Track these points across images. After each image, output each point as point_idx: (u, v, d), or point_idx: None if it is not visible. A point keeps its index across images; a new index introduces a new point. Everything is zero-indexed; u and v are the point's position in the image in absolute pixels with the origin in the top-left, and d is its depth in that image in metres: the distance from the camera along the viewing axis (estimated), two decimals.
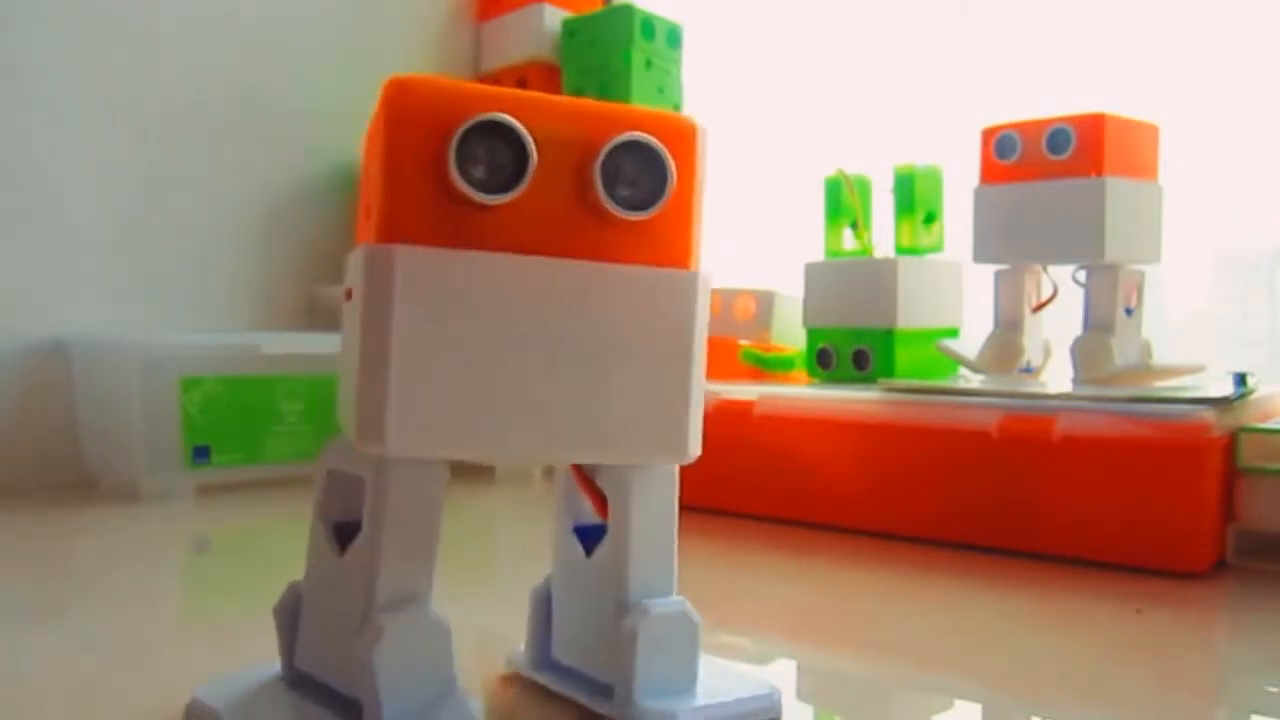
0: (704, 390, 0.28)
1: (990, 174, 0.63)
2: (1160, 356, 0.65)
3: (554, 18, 0.93)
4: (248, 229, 0.86)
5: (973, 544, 0.54)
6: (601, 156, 0.25)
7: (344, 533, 0.29)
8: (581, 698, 0.30)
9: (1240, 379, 0.54)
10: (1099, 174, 0.59)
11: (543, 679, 0.32)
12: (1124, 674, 0.36)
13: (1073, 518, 0.51)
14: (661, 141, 0.26)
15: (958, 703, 0.35)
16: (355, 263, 0.26)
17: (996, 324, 0.66)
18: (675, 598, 0.29)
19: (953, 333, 0.71)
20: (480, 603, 0.44)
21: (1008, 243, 0.63)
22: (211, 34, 0.83)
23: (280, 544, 0.60)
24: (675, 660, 0.29)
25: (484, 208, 0.25)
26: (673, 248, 0.27)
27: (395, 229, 0.24)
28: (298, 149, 0.88)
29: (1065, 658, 0.37)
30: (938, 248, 0.72)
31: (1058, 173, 0.60)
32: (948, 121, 0.82)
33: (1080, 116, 0.60)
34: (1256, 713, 0.34)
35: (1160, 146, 0.63)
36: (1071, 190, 0.59)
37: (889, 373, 0.67)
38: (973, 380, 0.64)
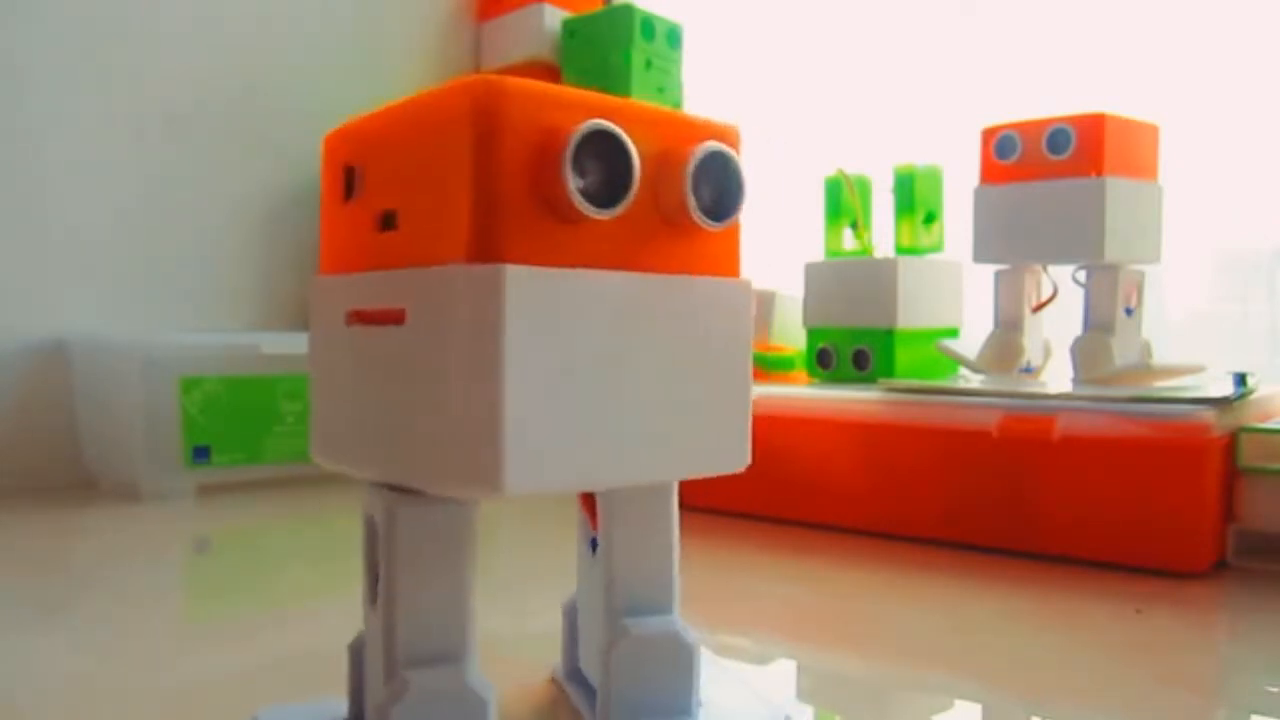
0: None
1: (990, 174, 0.63)
2: (1160, 356, 0.65)
3: (554, 18, 0.93)
4: (248, 229, 0.86)
5: (973, 544, 0.54)
6: (691, 168, 0.24)
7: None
8: (587, 712, 0.29)
9: (1240, 379, 0.54)
10: (1099, 174, 0.59)
11: (570, 690, 0.31)
12: (1124, 674, 0.36)
13: (1073, 518, 0.51)
14: (735, 151, 0.26)
15: (958, 703, 0.35)
16: (410, 281, 0.24)
17: (996, 324, 0.66)
18: (668, 617, 0.28)
19: (953, 333, 0.71)
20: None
21: (1008, 243, 0.63)
22: (211, 34, 0.83)
23: (280, 544, 0.60)
24: (662, 684, 0.27)
25: (582, 222, 0.23)
26: (728, 256, 0.26)
27: (495, 247, 0.22)
28: (298, 149, 0.88)
29: (1065, 658, 0.37)
30: (938, 248, 0.72)
31: (1058, 173, 0.60)
32: (948, 121, 0.82)
33: (1080, 116, 0.60)
34: (1256, 713, 0.34)
35: (1160, 146, 0.63)
36: (1071, 190, 0.59)
37: (889, 373, 0.67)
38: (973, 380, 0.64)
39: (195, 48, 0.82)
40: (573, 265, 0.23)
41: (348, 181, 0.27)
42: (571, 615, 0.32)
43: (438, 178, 0.23)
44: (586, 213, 0.23)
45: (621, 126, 0.23)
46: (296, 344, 0.75)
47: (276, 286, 0.87)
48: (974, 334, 0.69)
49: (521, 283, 0.22)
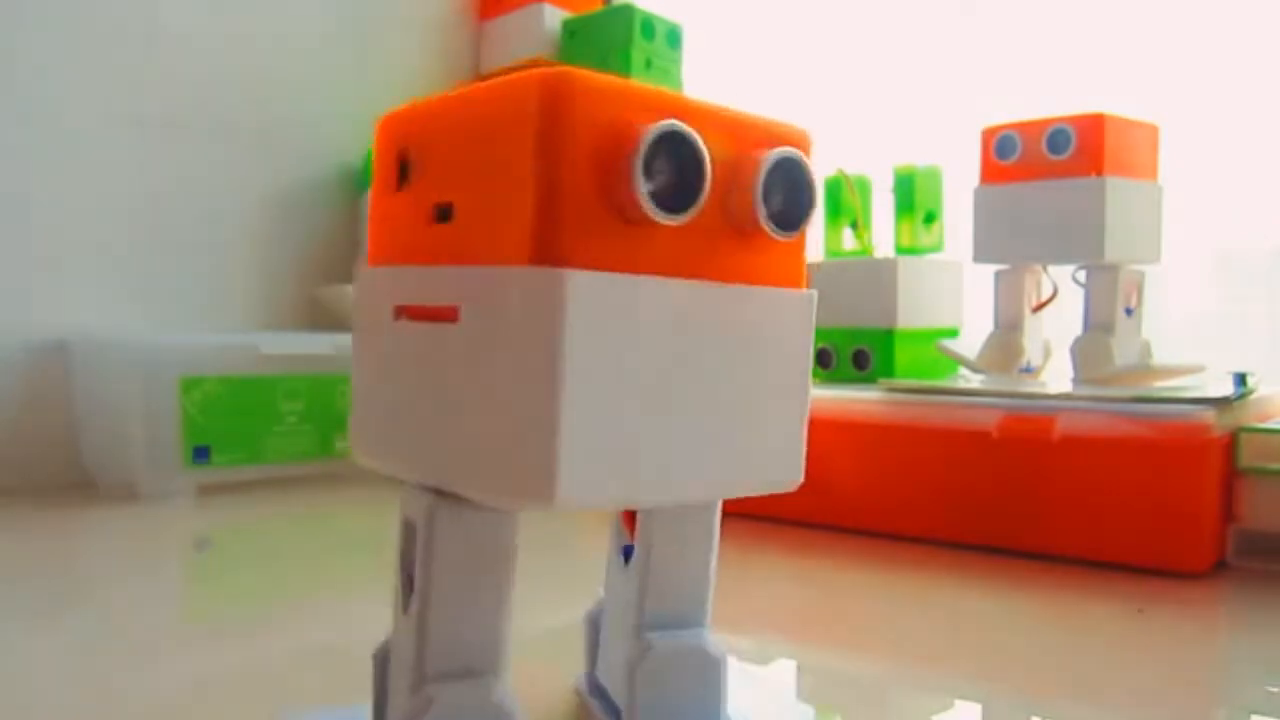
0: None
1: (990, 174, 0.63)
2: (1160, 356, 0.65)
3: (554, 18, 0.93)
4: (248, 229, 0.86)
5: (973, 544, 0.54)
6: (763, 174, 0.23)
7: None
8: None
9: (1240, 379, 0.54)
10: (1099, 174, 0.59)
11: (591, 702, 0.30)
12: (1124, 674, 0.36)
13: (1073, 518, 0.51)
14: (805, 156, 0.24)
15: (958, 703, 0.35)
16: (466, 279, 0.23)
17: (996, 324, 0.66)
18: (695, 630, 0.27)
19: (953, 333, 0.71)
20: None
21: (1008, 243, 0.63)
22: (211, 34, 0.83)
23: (280, 544, 0.60)
24: (689, 699, 0.26)
25: (649, 227, 0.22)
26: (792, 266, 0.25)
27: (559, 249, 0.21)
28: (298, 149, 0.88)
29: (1065, 658, 0.37)
30: (938, 248, 0.72)
31: (1058, 173, 0.60)
32: (948, 121, 0.82)
33: (1080, 116, 0.60)
34: (1256, 713, 0.34)
35: (1160, 146, 0.63)
36: (1071, 190, 0.59)
37: (889, 373, 0.67)
38: (973, 380, 0.64)
39: (195, 48, 0.82)
40: (637, 272, 0.22)
41: (401, 169, 0.26)
42: (595, 625, 0.31)
43: (499, 172, 0.22)
44: (656, 218, 0.22)
45: (692, 128, 0.22)
46: (296, 344, 0.75)
47: (276, 287, 0.87)
48: (974, 334, 0.69)
49: (584, 288, 0.21)
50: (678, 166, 0.22)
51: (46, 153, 0.75)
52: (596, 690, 0.31)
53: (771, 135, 0.24)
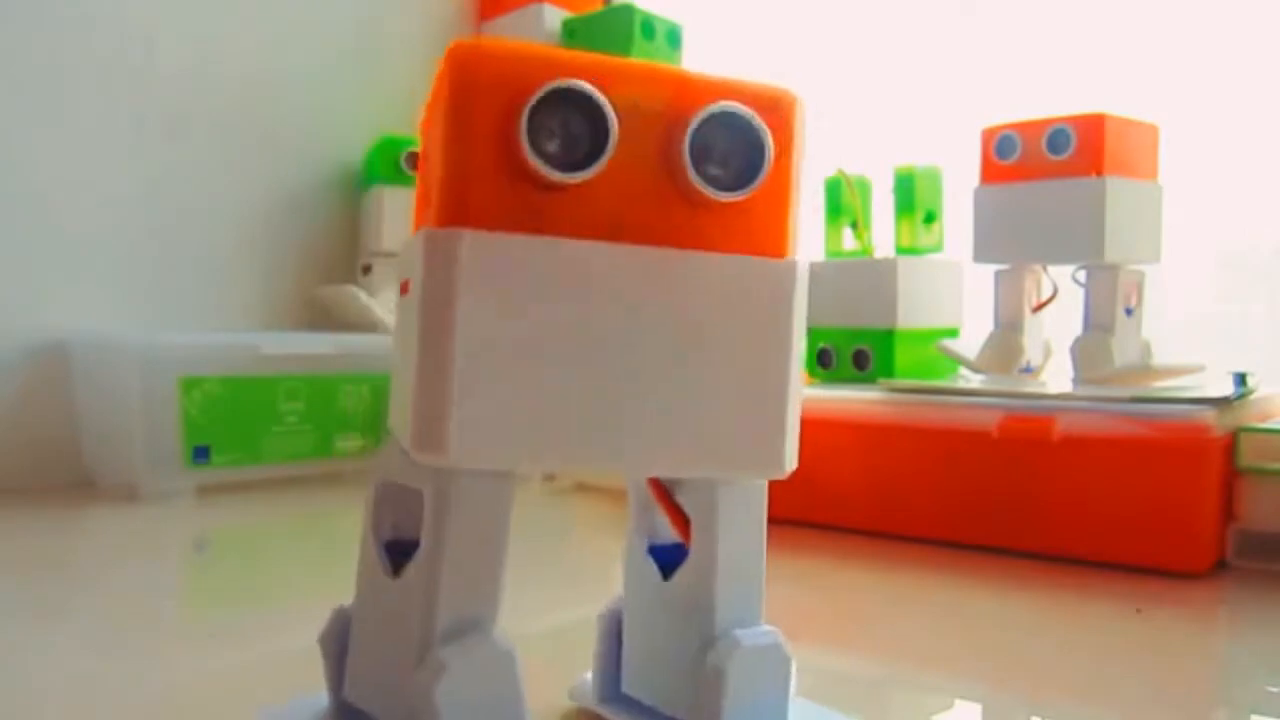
0: (802, 397, 0.25)
1: (990, 174, 0.63)
2: (1160, 356, 0.65)
3: (554, 18, 0.93)
4: (248, 229, 0.86)
5: (973, 544, 0.54)
6: (691, 130, 0.22)
7: (397, 552, 0.26)
8: None
9: (1240, 379, 0.54)
10: (1099, 174, 0.59)
11: (612, 715, 0.29)
12: (1124, 674, 0.36)
13: (1073, 518, 0.51)
14: (757, 114, 0.23)
15: (958, 703, 0.35)
16: (412, 250, 0.23)
17: (996, 324, 0.66)
18: (765, 628, 0.26)
19: (953, 333, 0.71)
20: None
21: (1008, 243, 0.63)
22: (212, 34, 0.83)
23: (280, 544, 0.60)
24: (766, 699, 0.26)
25: (558, 187, 0.22)
26: (768, 234, 0.24)
27: (460, 211, 0.21)
28: (298, 149, 0.88)
29: (1065, 658, 0.37)
30: (938, 248, 0.72)
31: (1058, 173, 0.60)
32: (948, 121, 0.82)
33: (1080, 116, 0.60)
34: (1256, 713, 0.34)
35: (1160, 146, 0.63)
36: (1071, 190, 0.59)
37: (889, 373, 0.67)
38: (973, 380, 0.64)
39: (195, 48, 0.82)
40: (551, 235, 0.22)
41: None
42: (612, 630, 0.30)
43: (434, 144, 0.23)
44: (549, 176, 0.21)
45: (611, 87, 0.22)
46: (296, 344, 0.75)
47: (277, 287, 0.87)
48: (974, 334, 0.69)
49: (481, 248, 0.21)
50: (578, 125, 0.22)
51: (47, 153, 0.75)
52: (619, 700, 0.29)
53: (715, 90, 0.23)
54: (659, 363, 0.23)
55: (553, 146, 0.22)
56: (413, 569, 0.24)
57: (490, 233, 0.21)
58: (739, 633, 0.25)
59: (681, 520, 0.27)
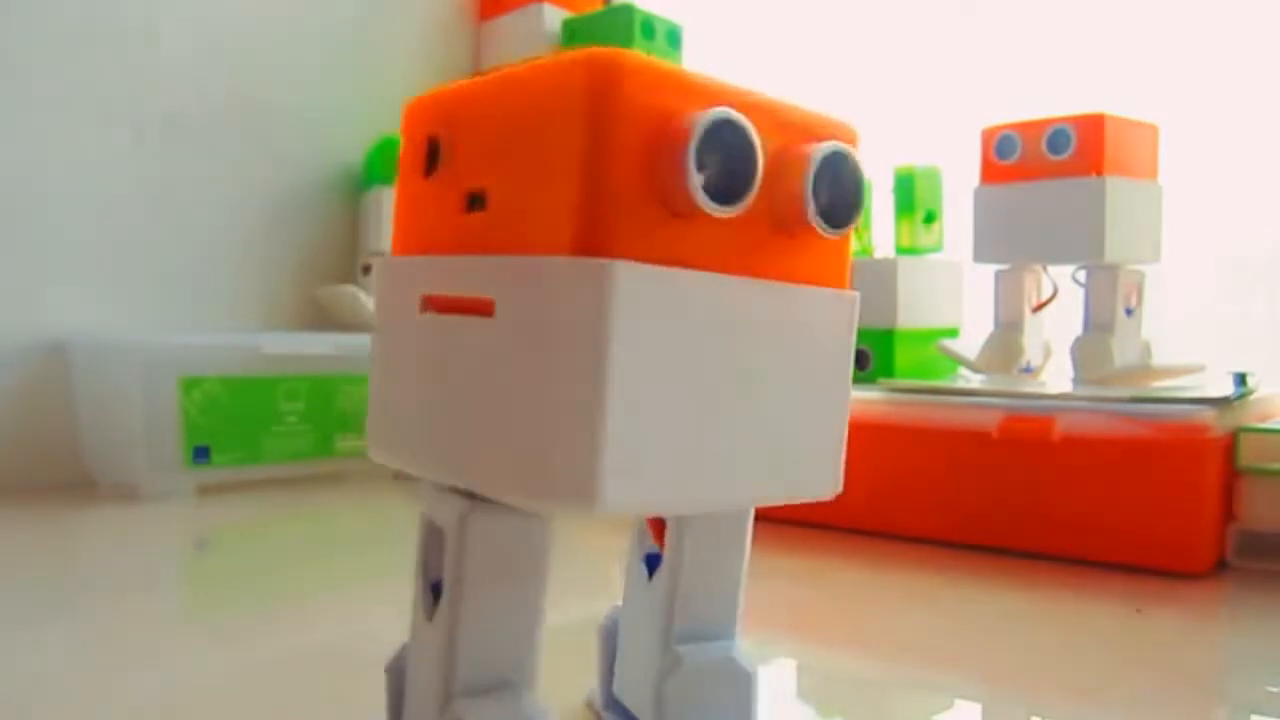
0: None
1: (990, 174, 0.63)
2: (1160, 356, 0.65)
3: (554, 18, 0.93)
4: (248, 229, 0.86)
5: (973, 544, 0.54)
6: (813, 169, 0.22)
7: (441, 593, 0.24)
8: None
9: (1240, 379, 0.54)
10: (1099, 174, 0.59)
11: (608, 718, 0.29)
12: (1124, 674, 0.36)
13: (1073, 518, 0.51)
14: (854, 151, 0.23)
15: (958, 703, 0.35)
16: (502, 270, 0.21)
17: (996, 324, 0.66)
18: (725, 642, 0.26)
19: (953, 333, 0.71)
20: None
21: (1008, 243, 0.63)
22: (211, 34, 0.83)
23: (280, 544, 0.60)
24: (716, 715, 0.25)
25: (697, 220, 0.21)
26: (836, 266, 0.24)
27: (606, 240, 0.20)
28: (298, 149, 0.88)
29: (1065, 658, 0.37)
30: (938, 248, 0.72)
31: (1058, 173, 0.60)
32: (948, 121, 0.82)
33: (1080, 116, 0.60)
34: (1257, 713, 0.34)
35: (1160, 146, 0.63)
36: (1071, 190, 0.59)
37: (889, 373, 0.67)
38: (973, 380, 0.64)
39: (195, 48, 0.82)
40: (682, 265, 0.21)
41: (431, 154, 0.24)
42: (610, 637, 0.30)
43: (540, 158, 0.21)
44: (708, 210, 0.20)
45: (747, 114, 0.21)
46: (296, 344, 0.75)
47: (276, 287, 0.87)
48: (974, 334, 0.69)
49: (632, 280, 0.20)
50: (727, 157, 0.21)
51: (47, 153, 0.75)
52: (614, 706, 0.29)
53: (820, 129, 0.24)
54: (768, 395, 0.23)
55: (705, 178, 0.21)
56: (439, 615, 0.23)
57: (639, 264, 0.20)
58: (687, 648, 0.25)
59: (659, 525, 0.27)
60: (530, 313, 0.20)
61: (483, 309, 0.21)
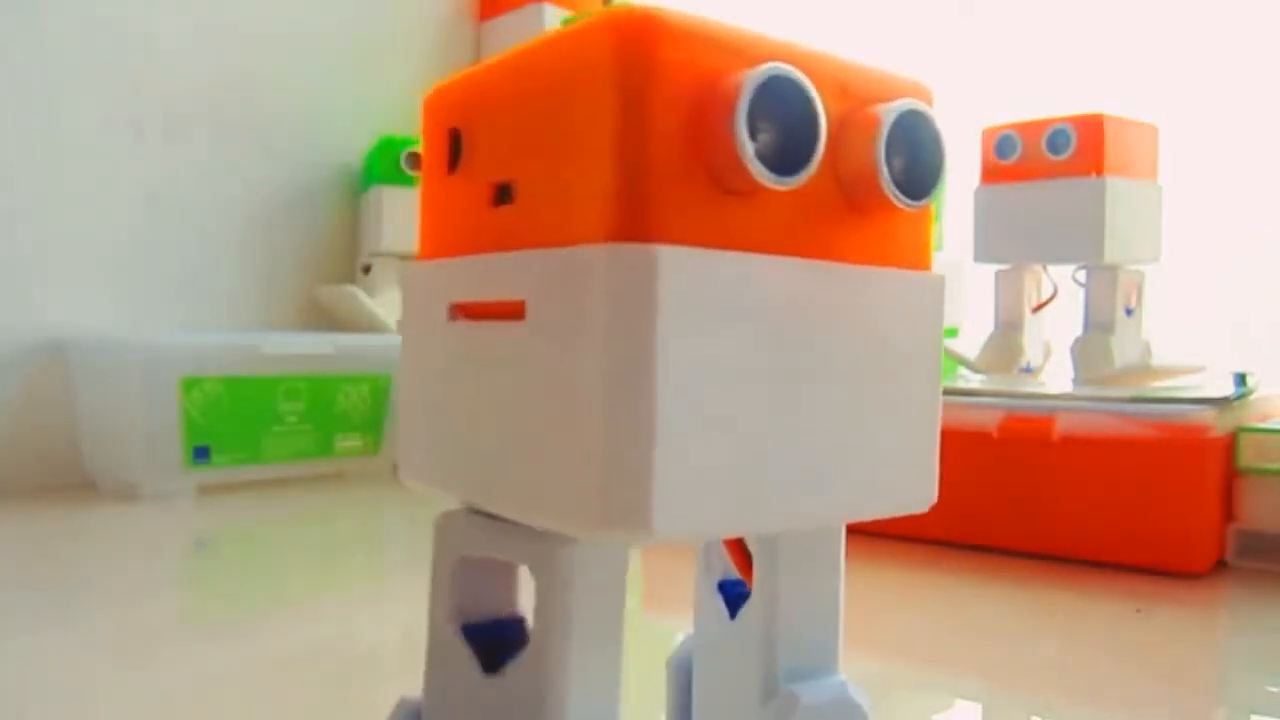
0: None
1: (990, 174, 0.63)
2: (1160, 356, 0.65)
3: (554, 17, 0.93)
4: (248, 229, 0.86)
5: (973, 544, 0.54)
6: (885, 131, 0.19)
7: (480, 640, 0.21)
8: None
9: (1240, 379, 0.54)
10: (1099, 174, 0.59)
11: None
12: (1124, 674, 0.36)
13: (1073, 518, 0.51)
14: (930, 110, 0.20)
15: (958, 702, 0.35)
16: (531, 266, 0.19)
17: (996, 324, 0.66)
18: (834, 679, 0.24)
19: (952, 333, 0.71)
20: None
21: (1008, 243, 0.63)
22: (211, 34, 0.83)
23: (280, 544, 0.60)
24: None
25: (753, 195, 0.18)
26: (917, 244, 0.21)
27: (646, 223, 0.17)
28: (298, 149, 0.88)
29: (1065, 658, 0.37)
30: (938, 248, 0.72)
31: (1058, 173, 0.60)
32: (947, 121, 0.82)
33: (1080, 116, 0.60)
34: (1257, 713, 0.34)
35: (1160, 146, 0.63)
36: (1071, 190, 0.59)
37: None
38: (973, 380, 0.64)
39: (195, 48, 0.82)
40: (739, 248, 0.18)
41: (453, 148, 0.22)
42: (682, 673, 0.27)
43: (569, 138, 0.18)
44: (765, 181, 0.17)
45: (805, 71, 0.18)
46: (296, 344, 0.75)
47: (276, 286, 0.87)
48: (974, 334, 0.69)
49: (679, 267, 0.17)
50: (784, 121, 0.18)
51: (47, 153, 0.75)
52: None
53: (889, 87, 0.20)
54: (850, 396, 0.20)
55: (759, 146, 0.17)
56: (522, 664, 0.20)
57: (688, 248, 0.17)
58: (798, 688, 0.23)
59: (742, 555, 0.24)
60: (562, 311, 0.18)
61: (513, 313, 0.19)
